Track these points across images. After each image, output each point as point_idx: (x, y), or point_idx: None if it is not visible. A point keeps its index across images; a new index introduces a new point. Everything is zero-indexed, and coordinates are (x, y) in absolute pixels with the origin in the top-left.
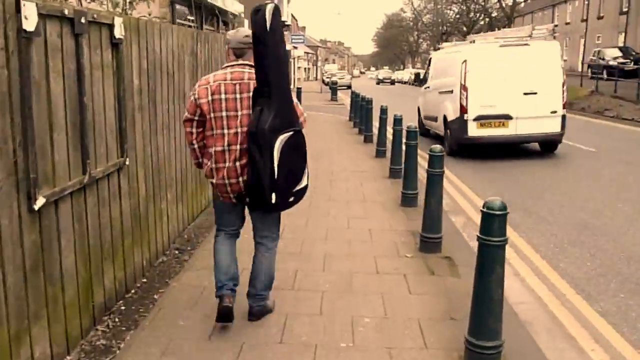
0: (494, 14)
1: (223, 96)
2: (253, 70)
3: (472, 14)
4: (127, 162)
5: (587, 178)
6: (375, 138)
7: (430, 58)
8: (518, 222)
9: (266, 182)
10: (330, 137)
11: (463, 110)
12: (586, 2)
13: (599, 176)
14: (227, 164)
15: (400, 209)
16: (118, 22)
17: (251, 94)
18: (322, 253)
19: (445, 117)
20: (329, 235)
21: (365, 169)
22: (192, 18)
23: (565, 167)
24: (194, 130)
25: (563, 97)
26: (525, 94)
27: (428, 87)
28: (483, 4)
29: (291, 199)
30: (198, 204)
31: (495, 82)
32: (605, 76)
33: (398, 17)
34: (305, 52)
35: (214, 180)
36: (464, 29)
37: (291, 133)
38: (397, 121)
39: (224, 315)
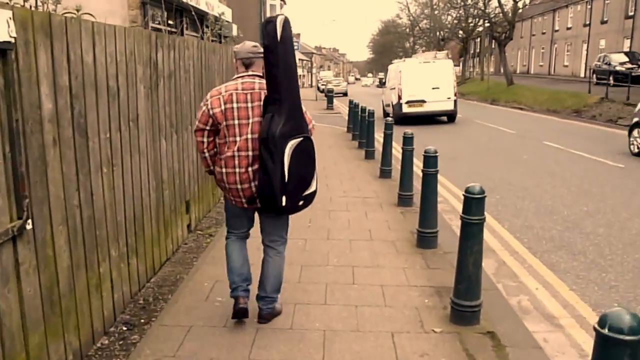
0: (495, 19)
1: (235, 105)
2: (263, 80)
3: (470, 19)
4: (29, 225)
5: (630, 207)
6: (377, 154)
7: (388, 69)
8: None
9: (277, 186)
10: (327, 152)
11: (400, 98)
12: (589, 7)
13: None
14: (237, 169)
15: (418, 251)
16: (3, 16)
17: (262, 102)
18: (320, 327)
19: (392, 102)
20: (329, 296)
21: (369, 194)
22: (171, 22)
23: (601, 192)
24: (205, 139)
25: (454, 90)
26: (433, 88)
27: (385, 87)
28: (483, 8)
29: (301, 203)
30: (161, 252)
31: (416, 82)
32: (612, 82)
33: (394, 23)
34: (299, 59)
35: (226, 185)
36: (462, 34)
37: (301, 139)
38: (408, 140)
39: (240, 315)
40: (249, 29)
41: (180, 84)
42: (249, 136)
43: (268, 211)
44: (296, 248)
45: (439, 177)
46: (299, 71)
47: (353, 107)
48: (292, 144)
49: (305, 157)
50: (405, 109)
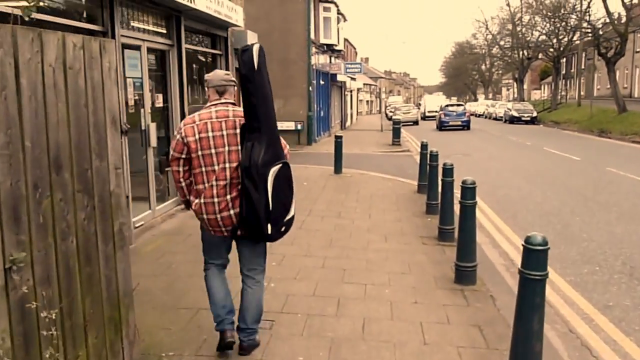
0: (601, 31)
1: (210, 134)
2: (236, 108)
3: (562, 35)
4: None
5: None
6: (485, 272)
7: (424, 98)
8: None
9: (262, 214)
10: (380, 259)
11: (425, 110)
12: None
13: None
14: (215, 199)
15: None
16: None
17: (237, 130)
18: None
19: (423, 112)
20: None
21: None
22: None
23: None
24: (181, 168)
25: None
26: (436, 105)
27: (422, 106)
28: (586, 18)
29: (282, 229)
30: None
31: (430, 104)
32: None
33: (469, 44)
34: (365, 84)
35: (204, 216)
36: (552, 52)
37: (280, 165)
38: None
39: (227, 348)
40: (293, 43)
41: None
42: (227, 165)
43: (253, 239)
44: None
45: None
46: (367, 97)
47: (427, 155)
48: (273, 171)
49: (285, 183)
50: (425, 115)
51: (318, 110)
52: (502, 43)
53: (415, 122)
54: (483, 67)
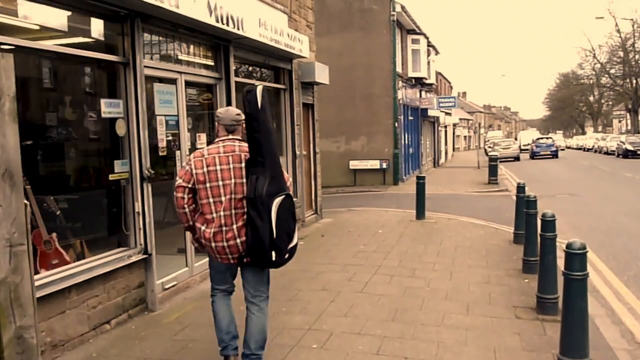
0: None
1: (218, 167)
2: (242, 144)
3: None
4: None
5: None
6: None
7: (519, 134)
8: None
9: (267, 242)
10: (453, 339)
11: (519, 144)
12: None
13: None
14: (223, 228)
15: None
16: None
17: (242, 164)
18: None
19: (519, 146)
20: None
21: None
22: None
23: None
24: (186, 196)
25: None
26: (530, 139)
27: (517, 141)
28: None
29: (286, 256)
30: None
31: (525, 138)
32: None
33: (574, 74)
34: (461, 119)
35: (212, 244)
36: None
37: (283, 197)
38: None
39: None
40: (378, 77)
41: None
42: (232, 196)
43: (259, 266)
44: None
45: None
46: (464, 132)
47: (524, 199)
48: (276, 202)
49: (288, 213)
50: (521, 148)
51: (406, 147)
52: (612, 72)
53: (517, 158)
54: (591, 98)
